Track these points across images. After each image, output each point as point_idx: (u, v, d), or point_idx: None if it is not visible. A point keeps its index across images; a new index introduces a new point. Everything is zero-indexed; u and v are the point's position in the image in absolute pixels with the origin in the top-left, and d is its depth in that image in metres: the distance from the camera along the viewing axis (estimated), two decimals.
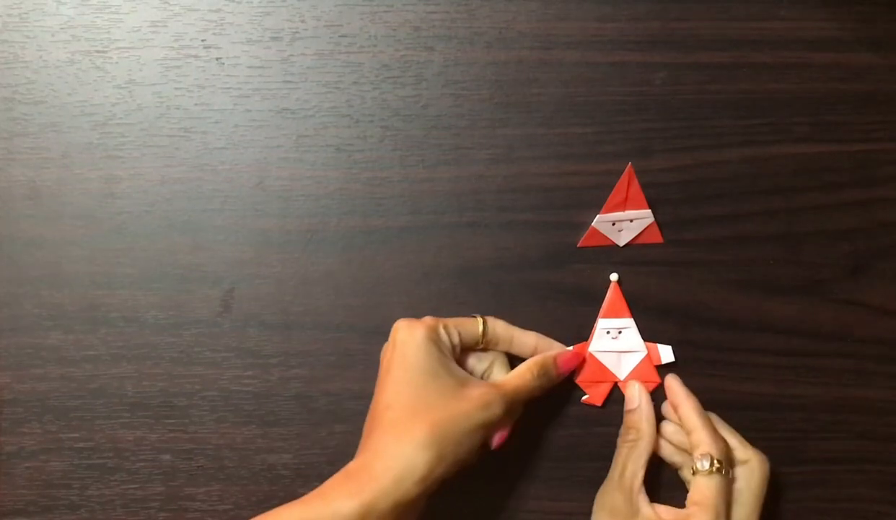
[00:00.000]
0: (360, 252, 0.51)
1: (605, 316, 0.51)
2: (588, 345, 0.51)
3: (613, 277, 0.51)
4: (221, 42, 0.51)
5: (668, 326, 0.51)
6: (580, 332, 0.51)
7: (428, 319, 0.46)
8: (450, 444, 0.42)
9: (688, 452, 0.48)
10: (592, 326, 0.51)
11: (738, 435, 0.48)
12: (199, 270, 0.51)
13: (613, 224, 0.51)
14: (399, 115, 0.51)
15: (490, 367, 0.48)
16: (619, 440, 0.49)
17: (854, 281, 0.51)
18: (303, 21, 0.51)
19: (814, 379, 0.51)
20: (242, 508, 0.50)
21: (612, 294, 0.51)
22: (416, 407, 0.43)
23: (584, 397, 0.51)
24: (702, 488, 0.45)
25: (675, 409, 0.49)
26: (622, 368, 0.51)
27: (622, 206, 0.50)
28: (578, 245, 0.51)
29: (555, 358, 0.49)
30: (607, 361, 0.51)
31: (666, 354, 0.51)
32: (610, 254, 0.51)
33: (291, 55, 0.51)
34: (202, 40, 0.51)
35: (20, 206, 0.51)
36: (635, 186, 0.50)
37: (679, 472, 0.49)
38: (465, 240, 0.51)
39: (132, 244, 0.51)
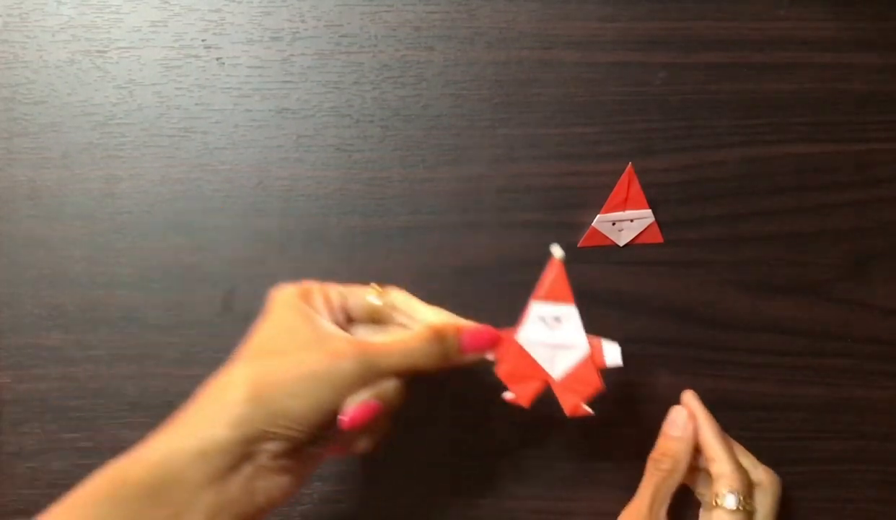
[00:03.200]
0: (360, 252, 0.51)
1: (542, 299, 0.41)
2: (517, 331, 0.42)
3: (556, 251, 0.41)
4: (221, 42, 0.51)
5: (668, 325, 0.51)
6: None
7: (306, 282, 0.41)
8: (274, 391, 0.36)
9: (699, 470, 0.47)
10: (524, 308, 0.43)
11: (750, 455, 0.48)
12: (199, 270, 0.51)
13: (614, 224, 0.51)
14: (399, 115, 0.51)
15: None
16: (650, 465, 0.47)
17: (854, 281, 0.51)
18: (303, 21, 0.51)
19: (814, 379, 0.51)
20: None
21: (554, 273, 0.41)
22: (254, 351, 0.38)
23: (507, 395, 0.42)
24: None
25: (697, 430, 0.47)
26: (556, 366, 0.42)
27: (622, 206, 0.50)
28: (579, 245, 0.51)
29: (458, 329, 0.40)
30: (539, 354, 0.42)
31: (612, 354, 0.42)
32: (610, 254, 0.51)
33: (291, 55, 0.51)
34: (202, 40, 0.51)
35: (20, 206, 0.51)
36: (636, 186, 0.50)
37: (693, 489, 0.49)
38: (465, 240, 0.51)
39: (132, 244, 0.51)
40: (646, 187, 0.50)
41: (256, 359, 0.37)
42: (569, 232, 0.51)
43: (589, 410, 0.42)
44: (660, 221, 0.51)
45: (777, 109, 0.51)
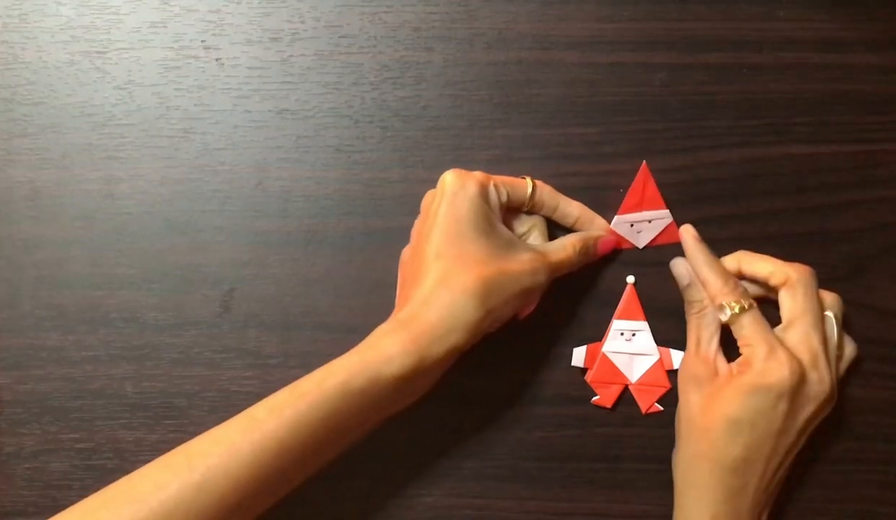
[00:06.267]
0: (360, 252, 0.51)
1: (620, 317, 0.50)
2: (602, 345, 0.50)
3: (630, 279, 0.50)
4: (221, 43, 0.51)
5: (668, 326, 0.51)
6: (583, 332, 0.51)
7: (479, 174, 0.46)
8: (497, 300, 0.43)
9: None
10: (602, 325, 0.51)
11: (773, 260, 0.48)
12: (198, 271, 0.51)
13: (632, 226, 0.50)
14: (399, 115, 0.51)
15: (529, 231, 0.49)
16: (687, 315, 0.49)
17: (853, 282, 0.51)
18: (302, 22, 0.51)
19: None
20: None
21: (628, 296, 0.50)
22: (468, 260, 0.43)
23: (595, 399, 0.50)
24: (738, 332, 0.46)
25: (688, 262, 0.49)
26: (634, 370, 0.50)
27: (638, 206, 0.50)
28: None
29: (596, 240, 0.49)
30: (620, 362, 0.50)
31: (678, 359, 0.50)
32: (609, 255, 0.51)
33: (291, 56, 0.51)
34: (202, 41, 0.51)
35: (20, 206, 0.51)
36: (651, 186, 0.50)
37: None
38: None
39: (132, 244, 0.51)
40: None
41: (476, 268, 0.43)
42: (568, 232, 0.51)
43: (660, 407, 0.50)
44: None
45: (777, 109, 0.51)
